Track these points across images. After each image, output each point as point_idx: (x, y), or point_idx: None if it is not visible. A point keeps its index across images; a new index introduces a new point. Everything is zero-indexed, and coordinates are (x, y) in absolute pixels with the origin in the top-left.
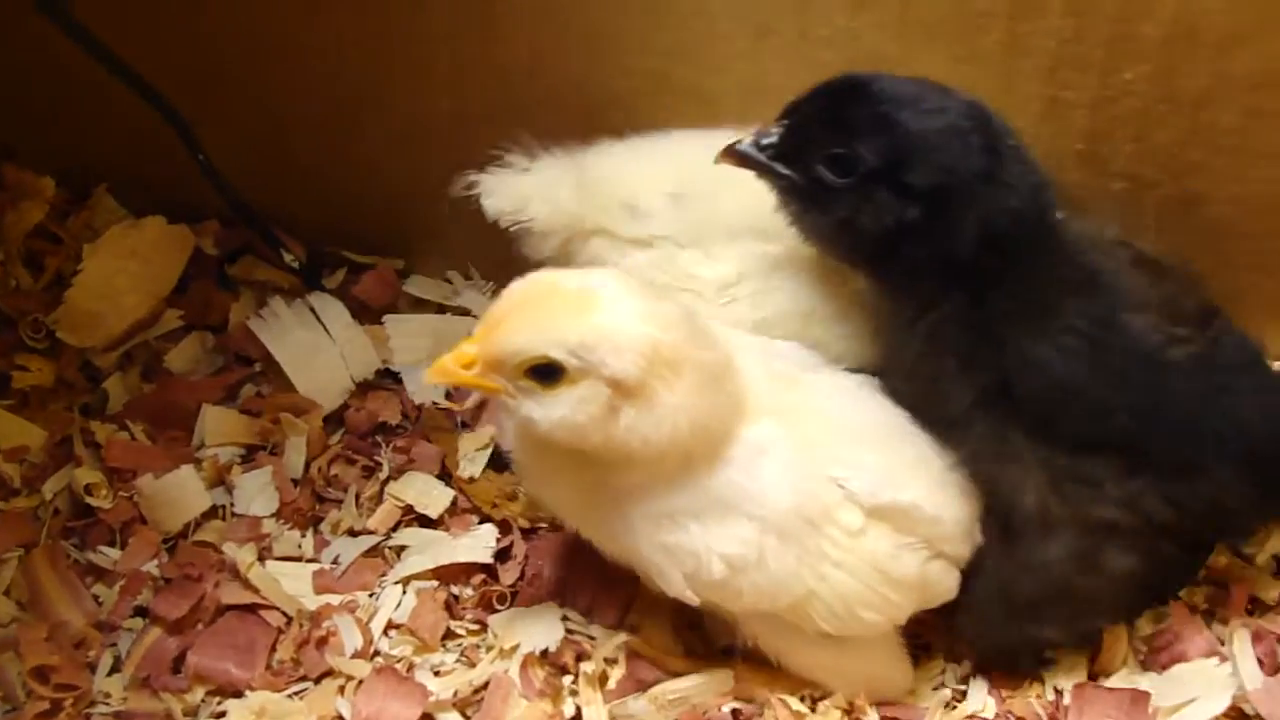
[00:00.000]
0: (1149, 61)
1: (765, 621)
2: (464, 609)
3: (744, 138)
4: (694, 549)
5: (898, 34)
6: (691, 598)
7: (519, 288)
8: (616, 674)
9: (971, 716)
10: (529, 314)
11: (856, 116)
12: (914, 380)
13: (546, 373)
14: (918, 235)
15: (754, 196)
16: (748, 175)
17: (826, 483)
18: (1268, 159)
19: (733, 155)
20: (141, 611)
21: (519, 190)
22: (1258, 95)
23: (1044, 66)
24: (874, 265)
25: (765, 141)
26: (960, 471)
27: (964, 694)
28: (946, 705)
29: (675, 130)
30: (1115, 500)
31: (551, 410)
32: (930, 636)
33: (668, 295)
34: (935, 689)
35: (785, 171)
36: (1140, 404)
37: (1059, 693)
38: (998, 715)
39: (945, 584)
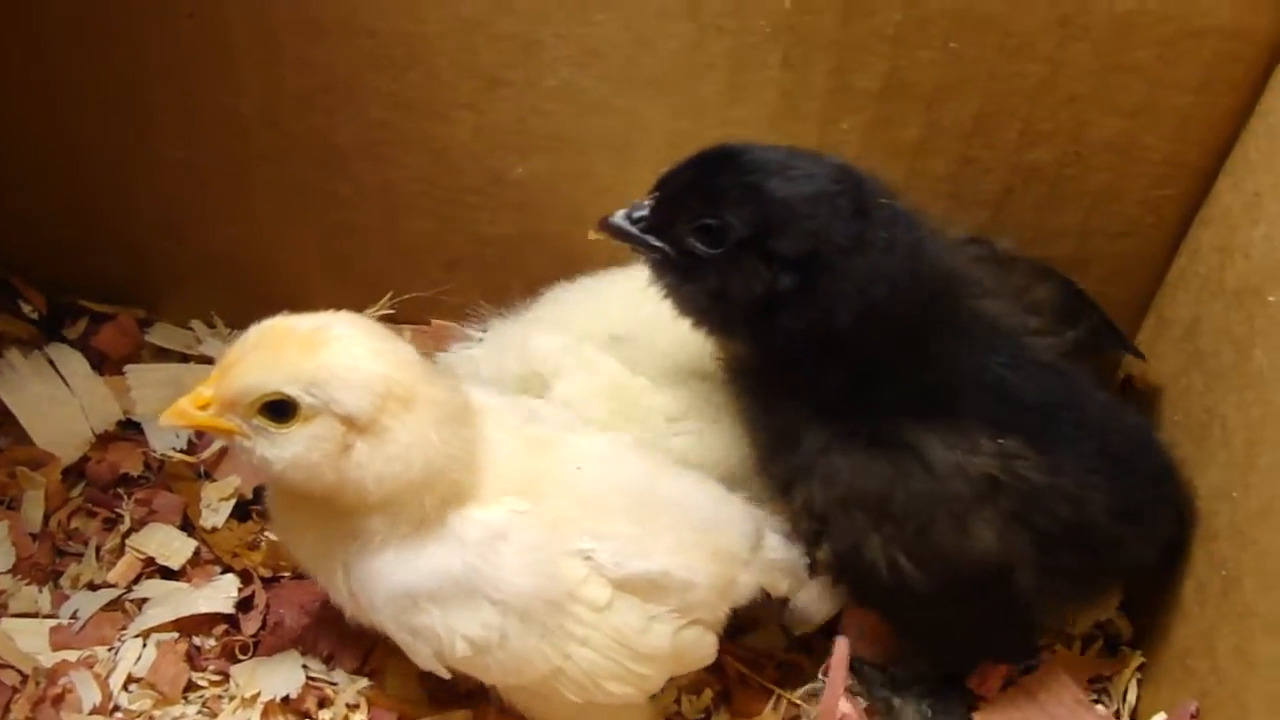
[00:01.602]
0: (865, 112)
1: (517, 687)
2: (206, 660)
3: (617, 211)
4: (436, 631)
5: (624, 86)
6: (442, 671)
7: (254, 331)
8: None
9: None
10: (263, 353)
11: (725, 186)
12: (767, 429)
13: (280, 410)
14: (793, 305)
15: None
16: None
17: (571, 559)
18: (978, 205)
19: (607, 229)
20: None
21: (471, 361)
22: (967, 144)
23: (763, 117)
24: (752, 337)
25: (637, 214)
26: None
27: None
28: None
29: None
30: (989, 453)
31: (285, 449)
32: None
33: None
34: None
35: (657, 244)
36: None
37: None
38: None
39: (701, 651)
